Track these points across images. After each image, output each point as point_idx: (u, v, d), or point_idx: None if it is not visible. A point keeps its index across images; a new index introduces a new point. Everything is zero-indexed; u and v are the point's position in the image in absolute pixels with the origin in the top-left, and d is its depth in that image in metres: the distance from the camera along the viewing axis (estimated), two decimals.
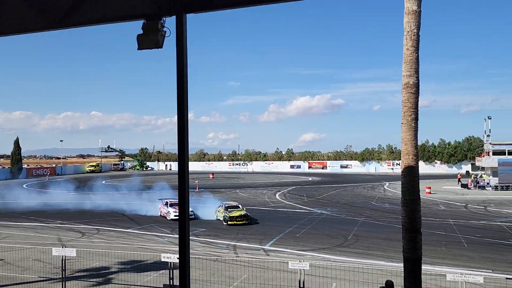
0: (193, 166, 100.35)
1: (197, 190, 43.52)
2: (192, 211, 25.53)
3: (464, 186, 47.83)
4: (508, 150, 47.06)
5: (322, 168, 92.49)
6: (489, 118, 49.12)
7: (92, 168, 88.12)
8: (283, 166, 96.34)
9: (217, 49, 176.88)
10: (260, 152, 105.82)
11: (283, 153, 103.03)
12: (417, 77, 7.78)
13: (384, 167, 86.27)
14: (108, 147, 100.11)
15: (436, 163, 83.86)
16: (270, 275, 13.46)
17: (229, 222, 24.10)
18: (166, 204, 27.21)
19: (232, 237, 21.08)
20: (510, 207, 31.41)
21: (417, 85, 7.78)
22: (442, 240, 19.76)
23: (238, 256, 17.10)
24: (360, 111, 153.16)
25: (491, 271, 14.54)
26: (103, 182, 57.31)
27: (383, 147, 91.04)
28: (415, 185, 7.76)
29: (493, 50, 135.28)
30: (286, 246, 19.01)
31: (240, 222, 24.09)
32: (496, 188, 44.50)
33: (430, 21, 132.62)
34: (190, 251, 6.18)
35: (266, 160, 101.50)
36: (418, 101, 7.86)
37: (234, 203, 27.14)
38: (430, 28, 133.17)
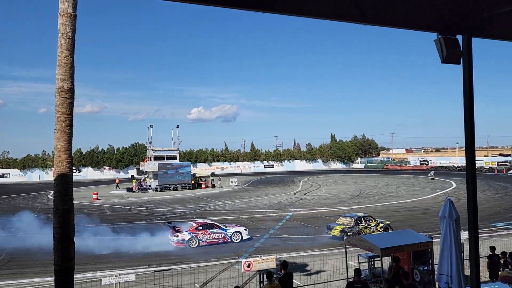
0: None
1: None
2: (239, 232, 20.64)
3: (130, 189, 51.11)
4: (166, 155, 53.75)
5: None
6: (151, 126, 54.80)
7: None
8: None
9: None
10: None
11: None
12: (72, 82, 7.53)
13: (49, 175, 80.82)
14: None
15: (105, 168, 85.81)
16: None
17: None
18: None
19: None
20: (166, 206, 35.76)
21: (72, 90, 7.52)
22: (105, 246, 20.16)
23: None
24: (22, 113, 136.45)
25: (147, 266, 15.95)
26: None
27: (48, 153, 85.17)
28: (68, 193, 7.43)
29: (154, 66, 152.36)
30: None
31: None
32: (156, 189, 49.88)
33: (100, 28, 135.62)
34: None
35: None
36: (73, 106, 7.60)
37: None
38: (97, 35, 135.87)
